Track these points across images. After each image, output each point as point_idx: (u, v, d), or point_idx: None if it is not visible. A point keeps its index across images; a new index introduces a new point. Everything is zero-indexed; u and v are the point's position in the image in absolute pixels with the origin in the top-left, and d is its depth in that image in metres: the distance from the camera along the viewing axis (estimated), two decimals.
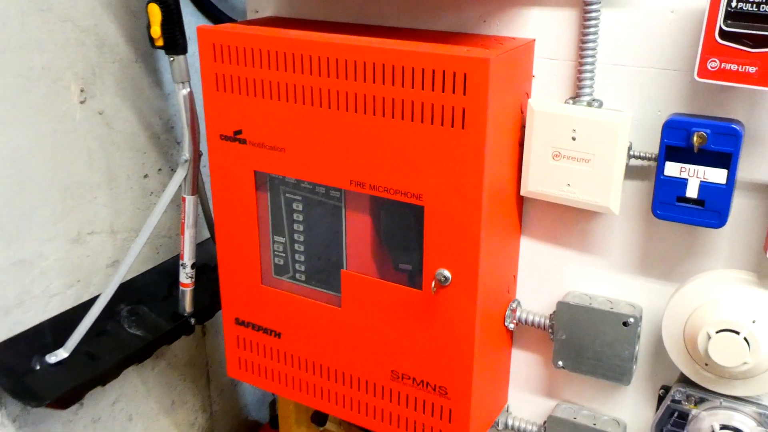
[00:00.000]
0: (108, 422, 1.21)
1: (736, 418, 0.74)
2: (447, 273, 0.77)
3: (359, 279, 0.85)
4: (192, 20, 1.23)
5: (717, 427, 0.74)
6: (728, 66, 0.62)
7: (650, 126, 0.74)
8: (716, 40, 0.61)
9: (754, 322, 0.70)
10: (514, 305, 0.87)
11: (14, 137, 0.98)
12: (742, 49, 0.61)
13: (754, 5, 0.59)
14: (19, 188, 1.00)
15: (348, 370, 0.90)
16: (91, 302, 1.07)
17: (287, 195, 0.88)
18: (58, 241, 1.06)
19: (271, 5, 0.96)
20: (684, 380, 0.78)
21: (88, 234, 1.11)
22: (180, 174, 1.04)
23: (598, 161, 0.74)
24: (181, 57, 1.00)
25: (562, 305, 0.83)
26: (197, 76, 0.90)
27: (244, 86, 0.84)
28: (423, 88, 0.71)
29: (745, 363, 0.70)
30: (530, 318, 0.87)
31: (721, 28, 0.61)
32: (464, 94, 0.69)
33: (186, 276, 1.10)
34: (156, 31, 0.97)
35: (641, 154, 0.74)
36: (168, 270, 1.22)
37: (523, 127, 0.78)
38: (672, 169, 0.70)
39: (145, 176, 1.20)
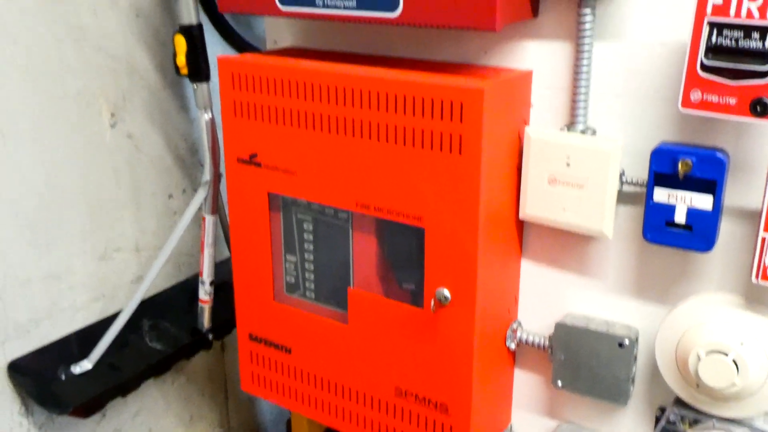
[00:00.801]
0: None
1: None
2: (446, 292, 0.80)
3: (365, 296, 0.88)
4: (218, 49, 1.29)
5: None
6: (710, 97, 0.65)
7: (641, 152, 0.77)
8: (698, 73, 0.65)
9: (742, 344, 0.71)
10: (515, 326, 0.90)
11: (49, 156, 1.04)
12: (722, 82, 0.64)
13: (733, 40, 0.62)
14: (51, 204, 1.06)
15: (354, 386, 0.93)
16: (114, 316, 1.12)
17: (299, 216, 0.93)
18: (86, 257, 1.12)
19: (290, 36, 1.01)
20: (679, 401, 0.80)
21: (114, 251, 1.17)
22: (201, 194, 1.09)
23: (591, 187, 0.77)
24: (204, 85, 1.07)
25: (560, 326, 0.85)
26: (217, 101, 0.96)
27: (260, 112, 0.89)
28: (423, 116, 0.76)
29: (734, 384, 0.72)
30: (531, 338, 0.89)
31: (702, 62, 0.64)
32: (461, 121, 0.73)
33: (205, 293, 1.15)
34: (181, 60, 1.03)
35: (633, 180, 0.76)
36: (189, 287, 1.27)
37: (521, 153, 0.82)
38: (660, 194, 0.73)
39: (170, 196, 1.26)
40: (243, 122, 0.91)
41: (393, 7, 0.76)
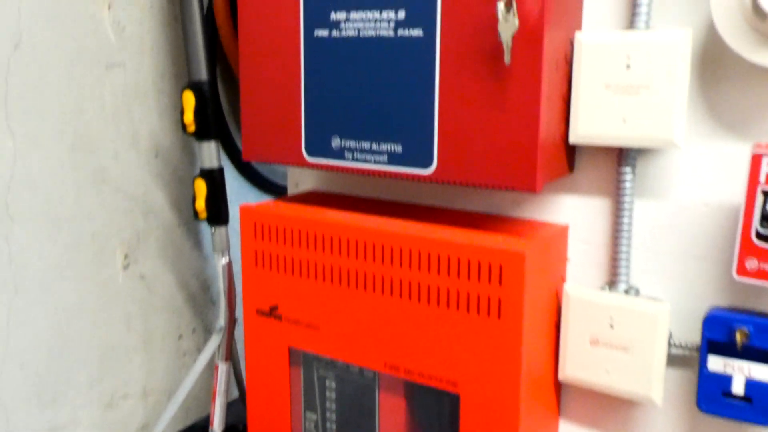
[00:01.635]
0: None
1: None
2: None
3: None
4: (235, 185, 1.28)
5: None
6: (767, 267, 0.61)
7: (690, 314, 0.73)
8: (753, 242, 0.62)
9: None
10: None
11: (60, 303, 1.00)
12: None
13: None
14: (60, 352, 1.01)
15: None
16: None
17: (320, 372, 0.88)
18: (92, 407, 1.06)
19: (311, 179, 0.99)
20: None
21: (121, 398, 1.11)
22: (215, 341, 1.04)
23: (637, 350, 0.72)
24: (223, 228, 1.04)
25: None
26: (234, 242, 0.93)
27: (282, 264, 0.85)
28: (459, 277, 0.72)
29: None
30: None
31: (757, 231, 0.61)
32: (500, 284, 0.70)
33: None
34: (200, 204, 1.01)
35: (681, 344, 0.72)
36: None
37: (559, 310, 0.78)
38: (715, 363, 0.68)
39: (180, 337, 1.21)
40: (264, 273, 0.88)
41: (427, 163, 0.74)
